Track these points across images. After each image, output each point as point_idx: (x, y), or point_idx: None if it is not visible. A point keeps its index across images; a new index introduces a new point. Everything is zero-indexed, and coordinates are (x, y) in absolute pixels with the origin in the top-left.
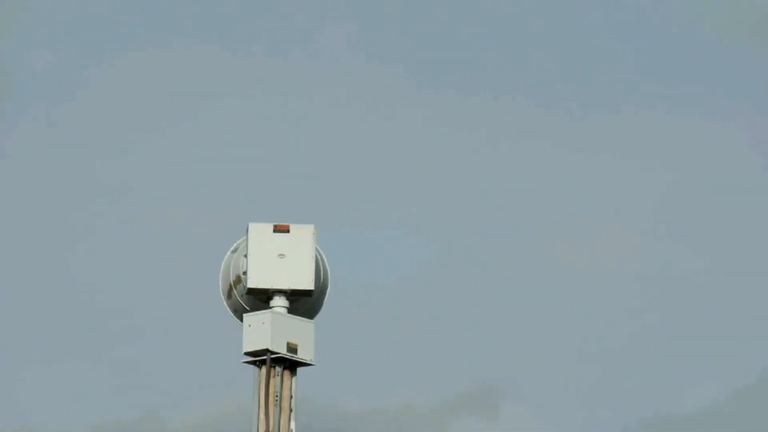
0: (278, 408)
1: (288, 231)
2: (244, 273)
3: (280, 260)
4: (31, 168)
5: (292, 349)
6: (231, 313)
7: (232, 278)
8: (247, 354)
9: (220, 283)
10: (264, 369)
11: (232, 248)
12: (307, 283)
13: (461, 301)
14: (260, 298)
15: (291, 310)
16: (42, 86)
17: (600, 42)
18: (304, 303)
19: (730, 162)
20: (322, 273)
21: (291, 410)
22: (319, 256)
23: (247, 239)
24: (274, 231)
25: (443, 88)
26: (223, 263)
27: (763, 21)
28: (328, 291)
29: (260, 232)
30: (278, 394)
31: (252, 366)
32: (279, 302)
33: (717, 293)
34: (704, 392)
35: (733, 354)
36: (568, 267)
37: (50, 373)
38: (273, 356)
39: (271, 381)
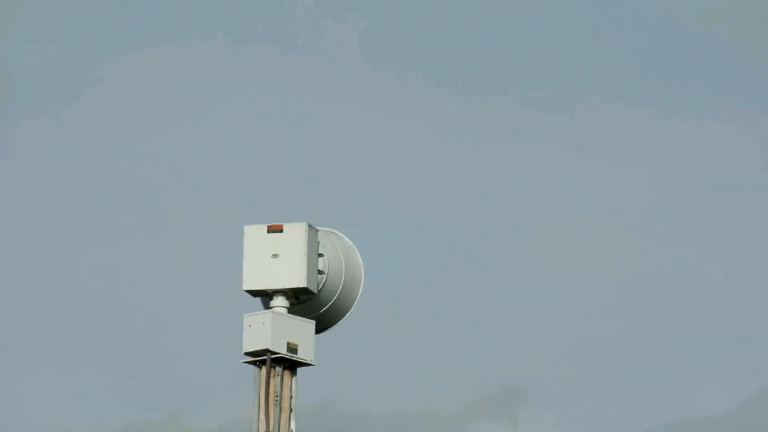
0: (278, 408)
1: (281, 231)
2: None
3: (274, 260)
4: (31, 168)
5: (292, 349)
6: None
7: None
8: (248, 354)
9: None
10: (264, 369)
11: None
12: (299, 280)
13: (461, 302)
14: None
15: (303, 312)
16: (42, 86)
17: (600, 42)
18: (314, 304)
19: (730, 162)
20: (343, 273)
21: (291, 410)
22: (336, 256)
23: (242, 242)
24: (268, 231)
25: (443, 88)
26: None
27: (762, 21)
28: (359, 293)
29: (255, 234)
30: (278, 394)
31: (252, 366)
32: (279, 302)
33: (717, 293)
34: (719, 395)
35: (741, 355)
36: (568, 267)
37: (57, 376)
38: (273, 356)
39: (271, 381)
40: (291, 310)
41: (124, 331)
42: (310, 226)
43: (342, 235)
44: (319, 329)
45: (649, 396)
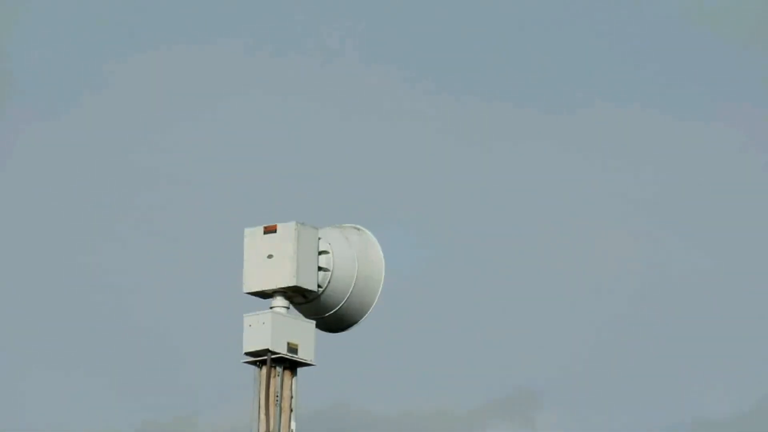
0: (278, 408)
1: (275, 231)
2: None
3: (269, 261)
4: (32, 168)
5: (292, 349)
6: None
7: None
8: (248, 354)
9: None
10: (264, 369)
11: None
12: (288, 279)
13: (461, 303)
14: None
15: (315, 311)
16: (43, 86)
17: (599, 42)
18: (324, 301)
19: (730, 162)
20: (356, 269)
21: (291, 410)
22: (346, 252)
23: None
24: (264, 233)
25: (443, 89)
26: None
27: (762, 20)
28: (379, 288)
29: (253, 236)
30: (278, 394)
31: (252, 366)
32: (278, 302)
33: (717, 293)
34: (733, 397)
35: (750, 356)
36: (568, 267)
37: (57, 377)
38: (273, 356)
39: (272, 381)
40: (304, 310)
41: (124, 332)
42: (300, 224)
43: (365, 230)
44: (342, 326)
45: (650, 397)
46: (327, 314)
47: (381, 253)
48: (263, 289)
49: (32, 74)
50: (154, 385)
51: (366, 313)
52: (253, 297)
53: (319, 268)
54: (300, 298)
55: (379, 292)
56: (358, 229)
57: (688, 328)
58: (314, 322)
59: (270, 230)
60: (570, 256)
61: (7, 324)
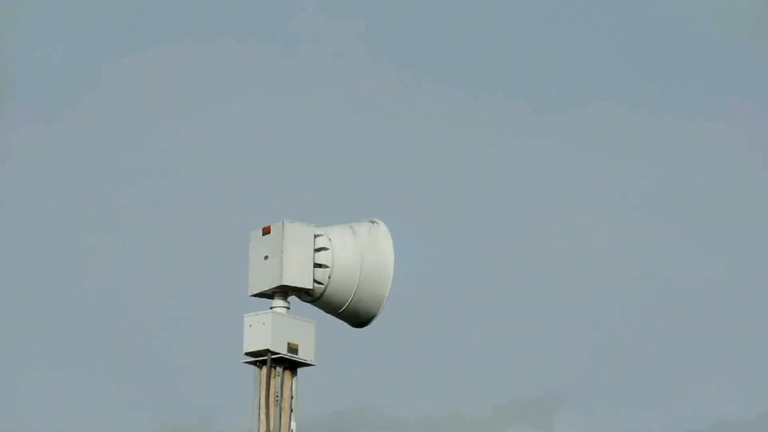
0: (278, 408)
1: (270, 232)
2: None
3: (265, 262)
4: (32, 169)
5: (292, 349)
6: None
7: None
8: (248, 354)
9: None
10: (264, 369)
11: None
12: (277, 279)
13: (462, 304)
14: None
15: (328, 308)
16: (43, 86)
17: (599, 42)
18: (331, 299)
19: (730, 162)
20: (360, 264)
21: (291, 410)
22: (348, 248)
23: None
24: (263, 234)
25: (443, 89)
26: None
27: (763, 20)
28: (389, 283)
29: (255, 238)
30: (279, 395)
31: (253, 366)
32: (278, 302)
33: (717, 294)
34: (744, 398)
35: (761, 357)
36: (567, 267)
37: (57, 378)
38: (273, 356)
39: (272, 381)
40: (319, 306)
41: (124, 333)
42: (289, 222)
43: (379, 223)
44: (361, 321)
45: (652, 398)
46: (341, 309)
47: (391, 245)
48: (262, 290)
49: (32, 74)
50: (155, 386)
51: (382, 304)
52: (259, 298)
53: (319, 265)
54: (307, 297)
55: (390, 284)
56: (373, 222)
57: (694, 329)
58: (314, 322)
59: (266, 231)
60: (570, 256)
61: (7, 324)
